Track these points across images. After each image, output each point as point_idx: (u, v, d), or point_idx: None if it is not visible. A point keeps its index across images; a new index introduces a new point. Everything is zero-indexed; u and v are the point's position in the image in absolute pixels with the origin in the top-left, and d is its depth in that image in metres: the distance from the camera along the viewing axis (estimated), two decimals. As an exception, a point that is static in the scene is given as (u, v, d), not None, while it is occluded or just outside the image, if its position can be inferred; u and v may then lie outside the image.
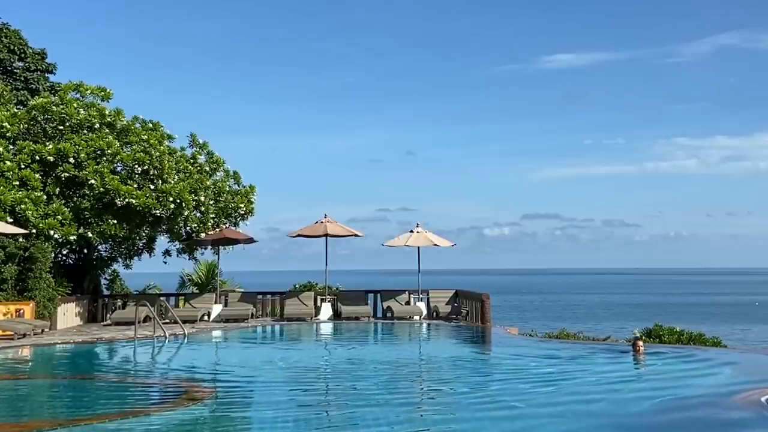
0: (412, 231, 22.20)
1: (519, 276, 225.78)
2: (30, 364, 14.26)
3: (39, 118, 20.46)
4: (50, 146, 19.57)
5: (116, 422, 8.03)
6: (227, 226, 22.81)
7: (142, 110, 28.69)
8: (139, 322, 17.57)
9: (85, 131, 20.56)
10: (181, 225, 21.52)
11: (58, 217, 18.74)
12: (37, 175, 19.23)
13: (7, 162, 19.06)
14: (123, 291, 26.62)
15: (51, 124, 20.51)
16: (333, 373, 12.64)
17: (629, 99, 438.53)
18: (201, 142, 23.54)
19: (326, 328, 20.03)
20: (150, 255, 23.78)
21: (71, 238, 18.86)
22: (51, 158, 19.42)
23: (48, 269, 18.75)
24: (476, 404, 9.37)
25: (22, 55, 26.29)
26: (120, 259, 24.05)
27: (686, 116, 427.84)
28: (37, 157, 19.44)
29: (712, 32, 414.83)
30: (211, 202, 21.97)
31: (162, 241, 23.60)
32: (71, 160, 19.48)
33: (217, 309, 21.62)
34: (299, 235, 22.25)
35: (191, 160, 22.71)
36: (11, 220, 17.94)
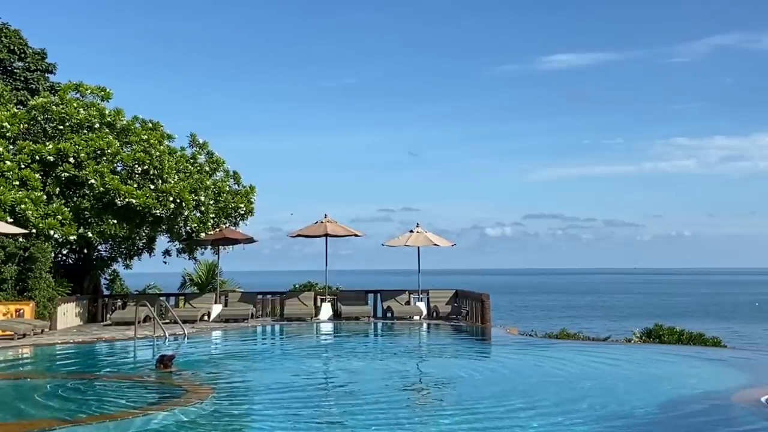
0: (412, 231, 22.20)
1: (520, 276, 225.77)
2: (30, 364, 14.26)
3: (39, 118, 20.46)
4: (50, 146, 19.56)
5: (116, 422, 8.03)
6: (227, 226, 22.80)
7: (142, 110, 28.70)
8: (139, 322, 17.58)
9: (85, 131, 20.56)
10: (181, 225, 21.51)
11: (58, 217, 18.73)
12: (37, 175, 19.22)
13: (7, 162, 19.06)
14: (123, 291, 26.63)
15: (51, 124, 20.51)
16: (334, 374, 12.64)
17: (629, 99, 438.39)
18: (201, 142, 23.56)
19: (326, 328, 20.03)
20: (150, 255, 23.78)
21: (71, 238, 18.86)
22: (51, 158, 19.42)
23: (48, 269, 18.75)
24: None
25: (22, 55, 26.27)
26: (120, 259, 24.04)
27: (685, 116, 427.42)
28: (37, 157, 19.44)
29: (710, 33, 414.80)
30: (211, 202, 21.96)
31: (162, 241, 23.62)
32: (71, 160, 19.48)
33: (217, 309, 21.62)
34: (299, 235, 22.26)
35: (191, 160, 22.71)
36: (11, 220, 17.93)
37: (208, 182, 22.04)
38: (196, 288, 27.69)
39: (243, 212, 23.25)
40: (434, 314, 21.68)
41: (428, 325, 20.35)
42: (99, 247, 22.77)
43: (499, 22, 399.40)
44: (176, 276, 29.66)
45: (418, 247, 22.20)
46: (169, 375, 11.44)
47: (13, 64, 26.20)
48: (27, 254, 18.43)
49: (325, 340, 18.43)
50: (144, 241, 23.15)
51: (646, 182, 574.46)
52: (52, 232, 18.48)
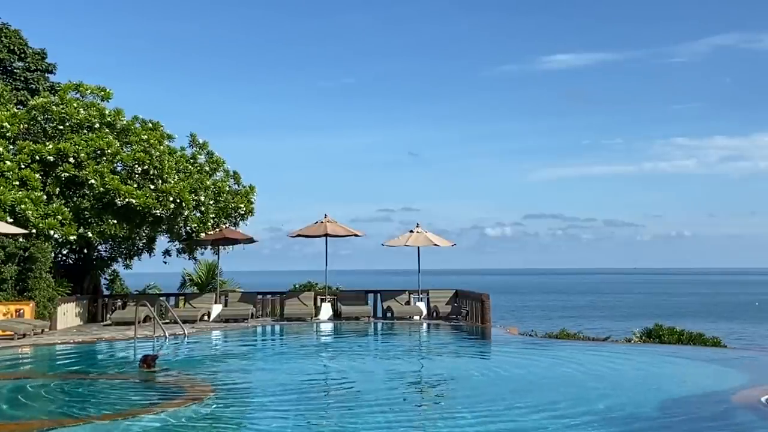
0: (412, 231, 22.20)
1: (520, 276, 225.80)
2: (30, 364, 14.26)
3: (39, 118, 20.46)
4: (50, 146, 19.56)
5: (116, 422, 8.03)
6: (227, 226, 22.80)
7: (142, 110, 28.68)
8: (139, 322, 17.57)
9: (85, 131, 20.56)
10: (181, 225, 21.51)
11: (58, 217, 18.73)
12: (37, 175, 19.22)
13: (7, 162, 19.05)
14: (123, 291, 26.62)
15: (51, 124, 20.51)
16: (334, 374, 12.63)
17: (628, 99, 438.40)
18: (201, 142, 23.56)
19: (326, 328, 20.03)
20: (150, 255, 23.77)
21: (71, 238, 18.85)
22: (51, 158, 19.42)
23: (48, 269, 18.75)
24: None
25: (22, 55, 26.27)
26: (120, 259, 24.04)
27: (685, 116, 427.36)
28: (37, 157, 19.44)
29: (710, 33, 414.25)
30: (211, 202, 21.96)
31: (162, 241, 23.62)
32: (71, 160, 19.48)
33: (217, 309, 21.61)
34: (299, 235, 22.26)
35: (191, 160, 22.71)
36: (11, 220, 17.93)
37: (208, 182, 22.04)
38: (196, 288, 27.69)
39: (243, 212, 23.25)
40: (434, 314, 21.68)
41: (428, 325, 20.34)
42: (99, 247, 22.77)
43: (499, 22, 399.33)
44: (176, 276, 29.66)
45: (418, 247, 22.20)
46: (152, 374, 11.55)
47: (13, 64, 26.20)
48: (27, 254, 18.43)
49: (325, 340, 18.42)
50: (144, 241, 23.15)
51: (646, 182, 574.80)
52: (52, 232, 18.47)
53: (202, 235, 21.84)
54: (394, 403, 9.54)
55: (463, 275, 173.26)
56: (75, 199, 19.79)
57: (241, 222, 23.53)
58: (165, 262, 24.13)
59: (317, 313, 21.80)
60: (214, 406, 9.18)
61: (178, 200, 19.82)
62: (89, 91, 22.02)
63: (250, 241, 23.15)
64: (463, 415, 8.64)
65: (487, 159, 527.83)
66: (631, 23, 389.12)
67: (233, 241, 22.90)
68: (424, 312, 21.83)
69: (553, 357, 14.10)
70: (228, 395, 10.13)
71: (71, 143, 19.74)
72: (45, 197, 19.04)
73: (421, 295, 22.43)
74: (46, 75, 27.15)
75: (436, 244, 22.06)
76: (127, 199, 19.12)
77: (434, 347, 16.98)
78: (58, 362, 14.41)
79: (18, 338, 16.37)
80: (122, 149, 20.36)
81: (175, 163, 21.22)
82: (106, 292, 24.73)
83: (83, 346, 15.93)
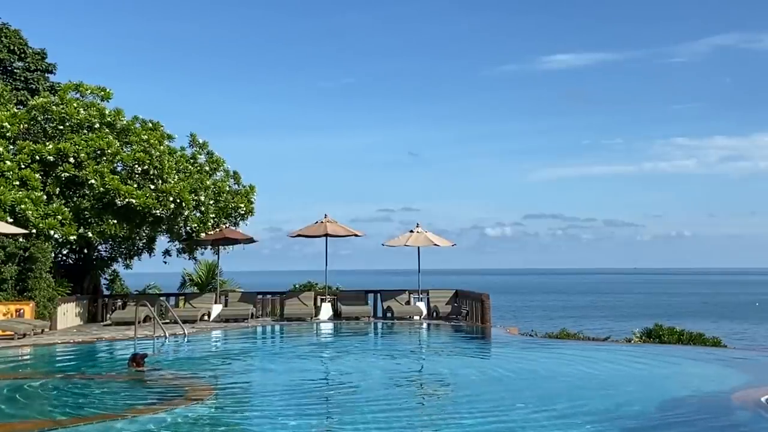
0: (412, 231, 22.20)
1: (520, 276, 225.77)
2: (30, 364, 14.25)
3: (39, 118, 20.46)
4: (50, 146, 19.56)
5: (116, 422, 8.02)
6: (227, 226, 22.80)
7: (142, 110, 28.67)
8: (139, 322, 17.58)
9: (85, 131, 20.56)
10: (181, 225, 21.51)
11: (58, 217, 18.73)
12: (37, 175, 19.22)
13: (7, 162, 19.05)
14: (123, 291, 26.62)
15: (51, 124, 20.50)
16: (334, 375, 12.63)
17: (628, 99, 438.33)
18: (201, 141, 23.55)
19: (326, 328, 20.03)
20: (150, 255, 23.76)
21: (71, 238, 18.85)
22: (51, 158, 19.42)
23: (48, 269, 18.74)
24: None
25: (22, 55, 26.26)
26: (120, 259, 24.03)
27: (685, 116, 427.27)
28: (37, 157, 19.44)
29: (710, 33, 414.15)
30: (211, 202, 21.96)
31: (162, 241, 23.61)
32: (71, 160, 19.48)
33: (217, 309, 21.61)
34: (299, 235, 22.26)
35: (191, 160, 22.70)
36: (11, 220, 17.93)
37: (208, 182, 22.03)
38: (196, 288, 27.69)
39: (243, 212, 23.24)
40: (434, 314, 21.68)
41: (428, 325, 20.35)
42: (99, 247, 22.76)
43: (499, 22, 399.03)
44: (176, 276, 29.67)
45: (418, 247, 22.19)
46: (141, 373, 11.62)
47: (13, 64, 26.19)
48: (27, 254, 18.43)
49: (326, 340, 18.42)
50: (144, 241, 23.13)
51: (646, 182, 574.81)
52: (52, 232, 18.47)
53: (202, 235, 21.83)
54: (395, 403, 9.53)
55: (463, 275, 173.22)
56: (75, 199, 19.79)
57: (241, 222, 23.53)
58: (165, 262, 24.16)
59: (317, 313, 21.80)
60: (214, 406, 9.17)
61: (178, 200, 19.82)
62: (89, 91, 22.02)
63: (250, 241, 23.15)
64: (464, 416, 8.65)
65: (487, 159, 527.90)
66: (631, 23, 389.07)
67: (233, 241, 22.90)
68: (424, 312, 21.83)
69: (553, 357, 14.10)
70: (228, 396, 10.13)
71: (71, 143, 19.74)
72: (45, 197, 19.04)
73: (421, 295, 22.42)
74: (46, 75, 27.14)
75: (436, 244, 22.06)
76: (127, 199, 19.11)
77: (434, 347, 16.98)
78: (58, 362, 14.40)
79: (18, 338, 16.37)
80: (122, 149, 20.35)
81: (175, 163, 21.21)
82: (106, 292, 24.73)
83: (83, 346, 15.93)
